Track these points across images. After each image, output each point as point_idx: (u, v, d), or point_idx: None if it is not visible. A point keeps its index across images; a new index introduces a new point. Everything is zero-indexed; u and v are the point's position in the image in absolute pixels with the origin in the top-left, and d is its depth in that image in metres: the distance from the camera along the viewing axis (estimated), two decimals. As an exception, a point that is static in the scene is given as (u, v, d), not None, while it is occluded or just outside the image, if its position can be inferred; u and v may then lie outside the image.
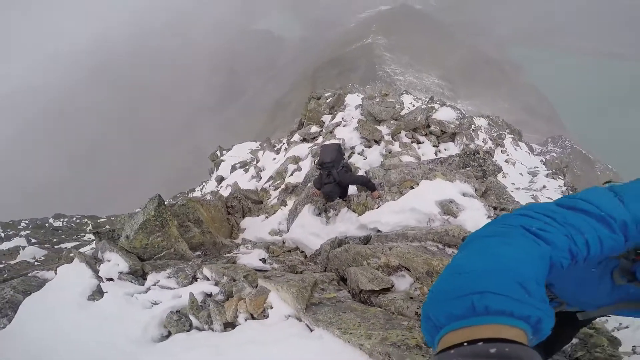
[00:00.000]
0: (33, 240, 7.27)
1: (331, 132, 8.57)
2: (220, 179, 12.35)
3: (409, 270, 2.16)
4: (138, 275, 2.92)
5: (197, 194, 13.21)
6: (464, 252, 0.66)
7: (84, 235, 10.09)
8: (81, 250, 4.14)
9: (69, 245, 7.65)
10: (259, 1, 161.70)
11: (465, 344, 0.45)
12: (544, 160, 18.47)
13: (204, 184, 14.52)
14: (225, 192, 9.18)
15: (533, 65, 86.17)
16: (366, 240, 3.06)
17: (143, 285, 2.76)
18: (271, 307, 1.95)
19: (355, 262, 2.43)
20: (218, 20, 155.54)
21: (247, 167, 11.62)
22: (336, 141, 7.57)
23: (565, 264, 0.66)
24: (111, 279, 2.88)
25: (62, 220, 12.56)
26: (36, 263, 4.51)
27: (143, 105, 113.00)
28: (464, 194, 3.11)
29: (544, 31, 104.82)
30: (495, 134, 16.49)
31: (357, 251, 2.45)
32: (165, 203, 3.62)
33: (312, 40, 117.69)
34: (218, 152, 15.72)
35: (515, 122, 23.20)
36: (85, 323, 2.45)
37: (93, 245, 4.25)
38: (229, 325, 2.07)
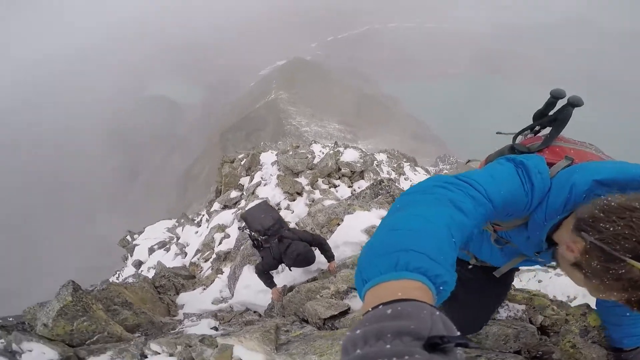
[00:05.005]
0: None
1: (253, 193, 8.73)
2: (139, 264, 11.18)
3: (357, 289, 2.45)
4: (72, 361, 2.58)
5: (114, 283, 11.57)
6: (400, 213, 0.72)
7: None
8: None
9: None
10: (146, 70, 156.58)
11: (370, 309, 0.48)
12: (439, 178, 21.53)
13: (119, 272, 12.86)
14: (148, 274, 8.37)
15: (405, 96, 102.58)
16: (313, 280, 3.30)
17: (84, 369, 2.45)
18: (241, 360, 1.99)
19: (308, 299, 2.64)
20: (101, 92, 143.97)
21: (168, 246, 10.86)
22: (259, 200, 7.18)
23: (476, 231, 0.79)
24: (41, 367, 2.50)
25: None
26: None
27: (29, 199, 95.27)
28: (381, 218, 3.67)
29: (399, 64, 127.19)
30: (395, 165, 18.82)
31: (307, 289, 2.68)
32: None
33: (214, 103, 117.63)
34: (129, 237, 14.33)
35: (409, 151, 26.74)
36: None
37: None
38: (203, 391, 2.01)
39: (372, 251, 0.62)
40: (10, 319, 3.47)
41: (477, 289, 1.48)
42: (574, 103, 1.11)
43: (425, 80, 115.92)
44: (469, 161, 1.77)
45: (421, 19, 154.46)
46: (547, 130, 1.24)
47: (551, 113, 1.23)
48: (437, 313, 0.44)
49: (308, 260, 3.18)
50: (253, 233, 3.65)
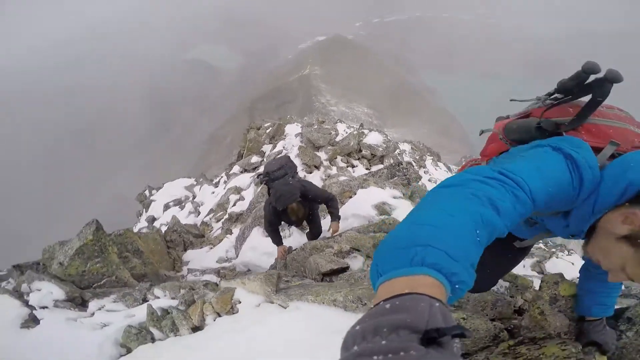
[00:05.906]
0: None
1: (273, 161, 8.80)
2: (152, 220, 11.38)
3: (359, 251, 2.55)
4: (77, 302, 2.72)
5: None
6: (427, 206, 0.69)
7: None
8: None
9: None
10: (191, 32, 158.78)
11: (373, 306, 0.48)
12: (460, 177, 20.82)
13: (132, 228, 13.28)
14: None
15: (443, 90, 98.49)
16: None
17: (86, 311, 2.59)
18: (239, 302, 2.04)
19: (312, 255, 2.69)
20: (144, 52, 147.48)
21: (183, 204, 11.13)
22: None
23: (505, 232, 0.71)
24: (45, 307, 2.65)
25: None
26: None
27: (56, 150, 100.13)
28: (394, 197, 3.66)
29: (445, 56, 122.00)
30: (417, 157, 18.42)
31: (312, 246, 2.74)
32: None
33: (250, 71, 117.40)
34: (147, 192, 14.69)
35: (434, 145, 25.96)
36: (26, 348, 2.21)
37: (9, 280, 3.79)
38: (197, 329, 2.09)
39: (390, 244, 0.60)
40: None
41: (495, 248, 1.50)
42: (613, 79, 0.97)
43: (469, 77, 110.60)
44: (482, 132, 1.69)
45: (479, 13, 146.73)
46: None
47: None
48: (437, 304, 0.43)
49: (284, 196, 2.75)
50: (259, 176, 3.53)
